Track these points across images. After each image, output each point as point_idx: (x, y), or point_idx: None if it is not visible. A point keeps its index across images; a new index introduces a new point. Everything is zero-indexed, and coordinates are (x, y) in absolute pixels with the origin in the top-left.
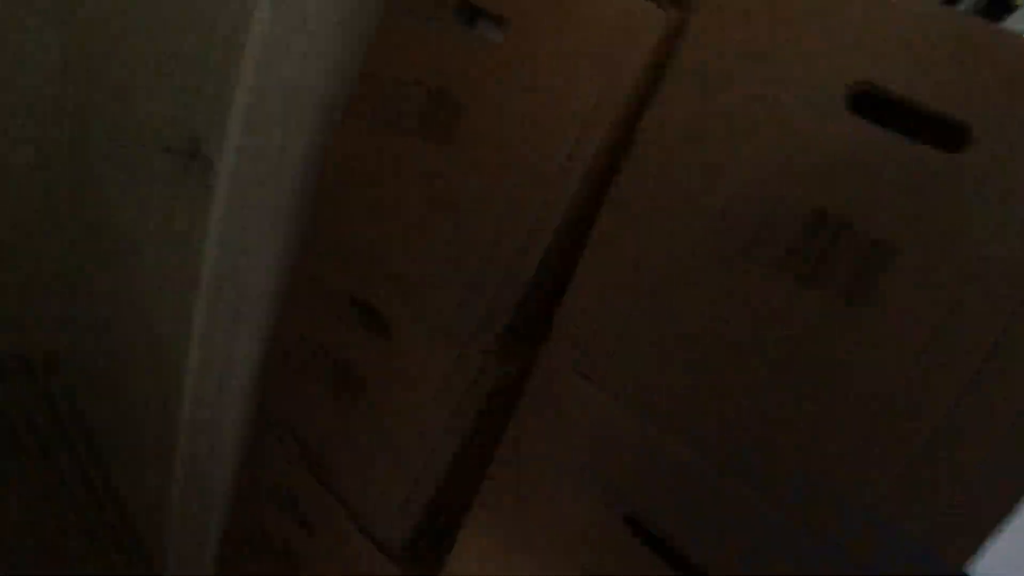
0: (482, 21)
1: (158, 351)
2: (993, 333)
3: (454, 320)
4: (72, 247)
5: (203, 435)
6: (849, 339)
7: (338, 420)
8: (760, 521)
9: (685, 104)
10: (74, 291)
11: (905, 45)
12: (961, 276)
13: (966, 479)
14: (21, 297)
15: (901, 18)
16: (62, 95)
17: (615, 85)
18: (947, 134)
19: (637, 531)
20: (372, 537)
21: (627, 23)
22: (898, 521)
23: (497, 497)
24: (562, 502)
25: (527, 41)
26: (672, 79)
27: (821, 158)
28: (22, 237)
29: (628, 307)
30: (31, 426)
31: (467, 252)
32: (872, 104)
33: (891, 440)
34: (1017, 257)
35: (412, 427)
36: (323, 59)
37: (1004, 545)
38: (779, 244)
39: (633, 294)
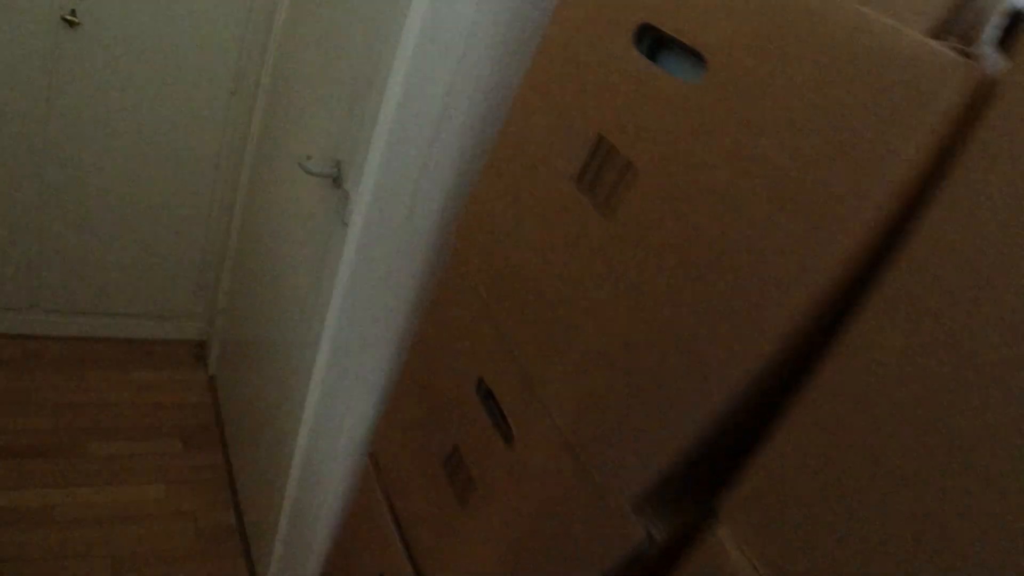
0: (669, 54)
1: (287, 368)
2: None
3: (594, 453)
4: (241, 247)
5: (312, 472)
6: None
7: (442, 514)
8: None
9: (992, 212)
10: (238, 288)
11: None
12: None
13: None
14: (192, 288)
15: None
16: (235, 110)
17: (877, 171)
18: None
19: None
20: None
21: (903, 77)
22: None
23: None
24: None
25: (738, 88)
26: (972, 170)
27: None
28: (197, 235)
29: (838, 502)
30: (188, 411)
31: (622, 369)
32: None
33: None
34: None
35: None
36: (472, 87)
37: None
38: None
39: (850, 486)
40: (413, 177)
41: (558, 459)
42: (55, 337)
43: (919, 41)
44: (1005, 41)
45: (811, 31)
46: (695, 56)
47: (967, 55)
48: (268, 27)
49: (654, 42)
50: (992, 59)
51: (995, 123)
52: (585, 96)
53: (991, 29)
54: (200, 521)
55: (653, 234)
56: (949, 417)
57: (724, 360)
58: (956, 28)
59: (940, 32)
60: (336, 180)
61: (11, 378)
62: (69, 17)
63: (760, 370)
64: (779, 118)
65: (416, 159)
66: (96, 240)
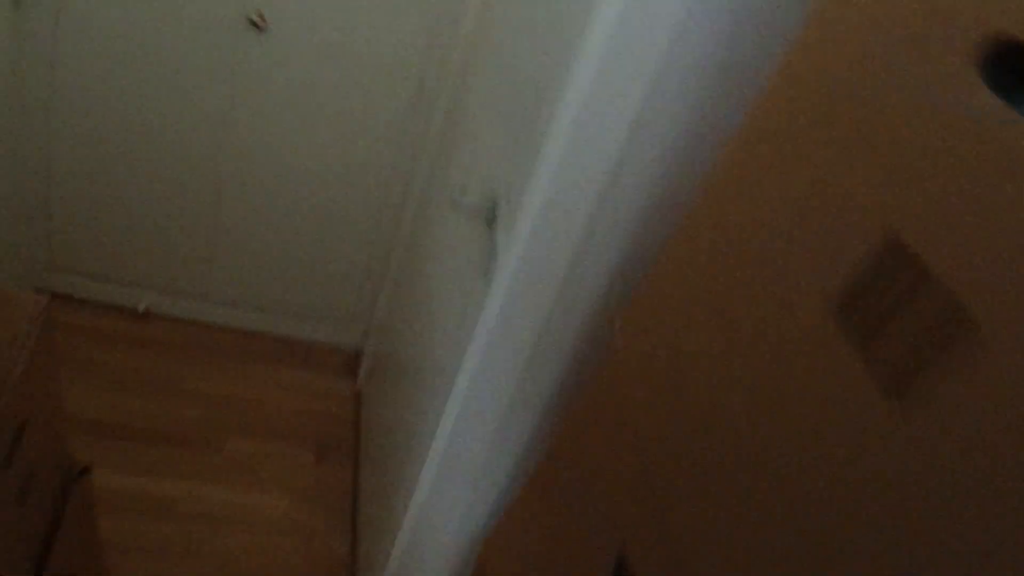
0: None
1: (423, 407)
2: None
3: None
4: (403, 264)
5: (422, 536)
6: None
7: None
8: None
9: None
10: (395, 305)
11: None
12: None
13: None
14: (355, 296)
15: None
16: (413, 122)
17: None
18: None
19: None
20: None
21: None
22: None
23: None
24: None
25: None
26: None
27: None
28: (365, 245)
29: None
30: (329, 422)
31: None
32: None
33: None
34: None
35: None
36: (667, 122)
37: None
38: None
39: None
40: (576, 236)
41: None
42: (220, 327)
43: None
44: None
45: None
46: None
47: None
48: (453, 36)
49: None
50: None
51: None
52: (862, 161)
53: None
54: (314, 542)
55: (987, 441)
56: None
57: None
58: None
59: None
60: (489, 220)
61: (172, 362)
62: (256, 19)
63: None
64: None
65: (582, 213)
66: (267, 239)
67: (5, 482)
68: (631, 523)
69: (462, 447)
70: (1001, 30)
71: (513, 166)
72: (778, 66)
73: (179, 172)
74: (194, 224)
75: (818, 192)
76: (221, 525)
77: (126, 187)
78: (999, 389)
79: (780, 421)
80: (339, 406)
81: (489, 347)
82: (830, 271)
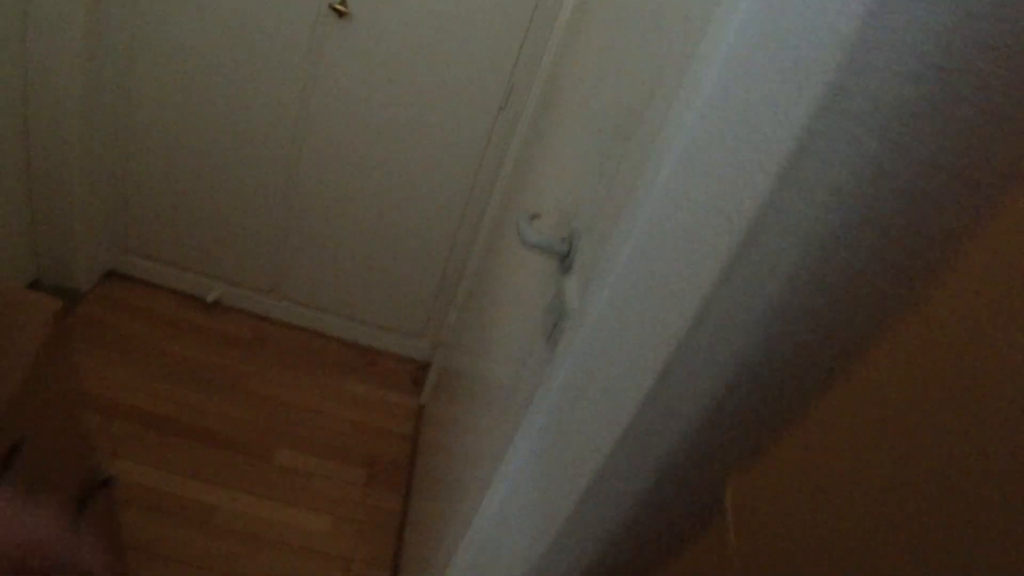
0: None
1: (478, 443)
2: None
3: None
4: (475, 283)
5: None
6: None
7: None
8: None
9: None
10: (463, 324)
11: None
12: None
13: None
14: (426, 307)
15: None
16: (499, 129)
17: None
18: None
19: None
20: None
21: None
22: None
23: None
24: None
25: None
26: None
27: None
28: (441, 254)
29: None
30: (385, 440)
31: None
32: None
33: None
34: None
35: None
36: (831, 179)
37: None
38: None
39: None
40: (682, 321)
41: None
42: (288, 325)
43: None
44: None
45: None
46: None
47: None
48: (547, 37)
49: None
50: None
51: None
52: None
53: None
54: (353, 572)
55: None
56: None
57: None
58: None
59: None
60: (563, 260)
61: (233, 358)
62: (338, 7)
63: None
64: None
65: (694, 287)
66: (342, 239)
67: None
68: None
69: (503, 532)
70: None
71: (598, 198)
72: None
73: (254, 165)
74: (267, 219)
75: None
76: (255, 542)
77: (201, 177)
78: None
79: None
80: (399, 423)
81: (543, 442)
82: None
